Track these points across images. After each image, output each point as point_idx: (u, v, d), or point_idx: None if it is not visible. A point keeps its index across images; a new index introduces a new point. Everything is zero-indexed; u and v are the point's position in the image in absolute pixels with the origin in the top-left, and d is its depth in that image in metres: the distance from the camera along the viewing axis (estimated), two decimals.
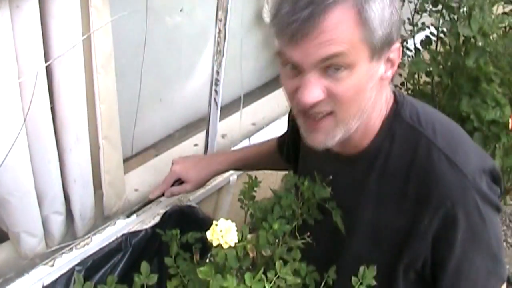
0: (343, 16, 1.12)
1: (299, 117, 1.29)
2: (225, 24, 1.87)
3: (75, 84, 1.60)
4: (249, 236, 1.42)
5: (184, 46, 2.30)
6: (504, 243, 3.09)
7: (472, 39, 2.31)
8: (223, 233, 1.29)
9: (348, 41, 1.13)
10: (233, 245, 1.28)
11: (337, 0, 1.11)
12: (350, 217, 1.39)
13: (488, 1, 2.30)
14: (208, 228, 1.30)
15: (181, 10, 2.12)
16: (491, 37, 2.37)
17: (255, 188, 1.53)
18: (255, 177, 1.53)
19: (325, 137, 1.26)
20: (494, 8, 2.75)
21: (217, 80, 1.98)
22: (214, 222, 1.32)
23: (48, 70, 1.54)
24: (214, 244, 1.28)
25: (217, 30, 1.89)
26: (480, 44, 2.32)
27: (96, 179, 1.88)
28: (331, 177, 1.39)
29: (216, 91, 2.01)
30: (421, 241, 1.28)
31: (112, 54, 1.68)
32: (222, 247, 1.28)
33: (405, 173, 1.29)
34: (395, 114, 1.32)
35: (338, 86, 1.17)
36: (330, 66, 1.15)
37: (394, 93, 1.35)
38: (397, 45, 1.22)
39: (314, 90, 1.17)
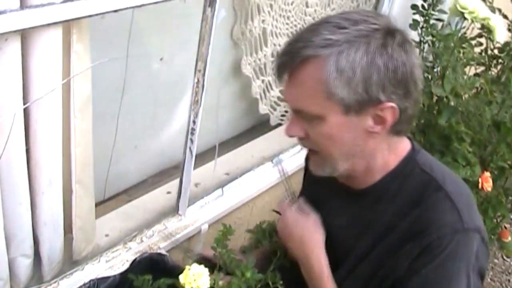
0: (308, 71, 1.19)
1: None
2: (203, 74, 1.90)
3: (52, 127, 1.60)
4: (220, 282, 1.42)
5: (161, 94, 2.32)
6: None
7: (444, 99, 2.37)
8: (196, 277, 1.30)
9: (311, 98, 1.21)
10: None
11: (306, 55, 1.18)
12: (347, 250, 1.43)
13: (461, 63, 2.37)
14: (177, 276, 1.30)
15: (161, 59, 2.14)
16: (463, 97, 2.43)
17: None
18: (229, 225, 1.54)
19: (316, 167, 1.38)
20: (466, 69, 2.84)
21: (193, 129, 2.00)
22: (187, 266, 1.32)
23: (26, 112, 1.54)
24: None
25: (196, 80, 1.92)
26: (452, 103, 2.38)
27: (66, 223, 1.86)
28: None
29: (191, 140, 2.02)
30: (397, 262, 1.31)
31: (90, 99, 1.69)
32: None
33: (408, 211, 1.33)
34: (410, 158, 1.38)
35: (312, 131, 1.27)
36: None
37: (410, 141, 1.42)
38: (387, 105, 1.22)
39: (291, 127, 1.29)
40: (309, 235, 1.42)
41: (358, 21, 1.20)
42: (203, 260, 1.71)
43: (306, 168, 1.67)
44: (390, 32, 1.21)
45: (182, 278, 1.29)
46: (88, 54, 1.61)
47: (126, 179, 2.41)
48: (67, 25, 1.49)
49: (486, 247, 1.34)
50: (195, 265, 1.31)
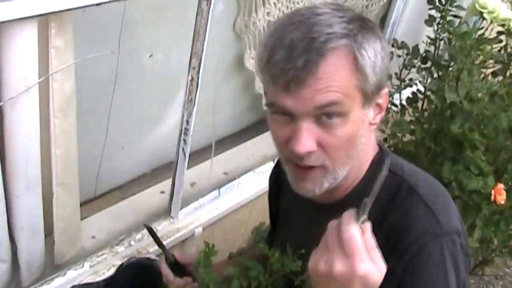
0: (338, 64, 1.09)
1: (288, 165, 1.22)
2: (198, 72, 1.77)
3: (29, 128, 1.49)
4: None
5: (155, 91, 2.19)
6: None
7: (458, 103, 2.21)
8: None
9: (343, 89, 1.09)
10: None
11: (333, 47, 1.08)
12: None
13: (477, 65, 2.21)
14: None
15: (150, 56, 2.01)
16: (478, 102, 2.28)
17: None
18: (213, 244, 1.41)
19: (313, 185, 1.21)
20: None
21: (186, 129, 1.88)
22: None
23: None
24: None
25: (189, 78, 1.79)
26: (468, 108, 2.22)
27: (48, 226, 1.76)
28: (303, 250, 1.26)
29: (184, 140, 1.90)
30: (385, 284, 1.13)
31: (73, 97, 1.58)
32: None
33: (382, 219, 1.20)
34: (380, 161, 1.26)
35: (329, 136, 1.13)
36: (324, 113, 1.11)
37: (378, 141, 1.31)
38: (385, 90, 1.19)
39: (307, 140, 1.12)
40: None
41: (341, 10, 1.14)
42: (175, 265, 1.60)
43: (274, 189, 1.58)
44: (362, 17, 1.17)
45: None
46: (70, 49, 1.50)
47: (119, 176, 2.30)
48: (44, 19, 1.38)
49: (466, 254, 1.21)
50: None
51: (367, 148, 1.24)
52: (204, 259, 1.39)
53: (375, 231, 1.17)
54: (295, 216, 1.42)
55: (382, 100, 1.19)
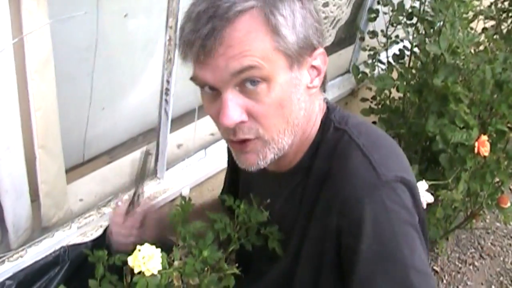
0: (250, 26, 1.04)
1: (228, 141, 1.20)
2: (175, 31, 1.77)
3: (5, 90, 1.50)
4: (176, 263, 1.33)
5: (136, 53, 2.18)
6: (471, 267, 3.00)
7: (441, 57, 2.21)
8: (146, 260, 1.20)
9: (260, 52, 1.05)
10: (156, 272, 1.19)
11: (239, 10, 1.03)
12: (290, 240, 1.28)
13: (459, 18, 2.20)
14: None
15: (125, 16, 2.00)
16: (463, 54, 2.27)
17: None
18: (189, 198, 1.42)
19: (256, 157, 1.17)
20: (474, 24, 2.68)
21: (167, 89, 1.88)
22: (138, 247, 1.23)
23: None
24: (136, 271, 1.19)
25: (167, 37, 1.80)
26: (450, 61, 2.21)
27: (33, 189, 1.78)
28: (269, 200, 1.29)
29: (166, 101, 1.91)
30: (332, 242, 1.14)
31: (50, 59, 1.58)
32: (144, 275, 1.19)
33: (325, 174, 1.18)
34: (326, 120, 1.24)
35: (257, 104, 1.09)
36: (246, 80, 1.07)
37: (326, 102, 1.27)
38: (320, 50, 1.14)
39: (233, 112, 1.08)
40: None
41: None
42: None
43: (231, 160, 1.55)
44: None
45: (130, 260, 1.20)
46: (43, 11, 1.50)
47: (106, 141, 2.32)
48: None
49: (417, 201, 1.15)
50: (147, 245, 1.21)
51: (310, 113, 1.21)
52: (181, 213, 1.41)
53: (318, 190, 1.18)
54: (255, 188, 1.39)
55: (318, 61, 1.14)
